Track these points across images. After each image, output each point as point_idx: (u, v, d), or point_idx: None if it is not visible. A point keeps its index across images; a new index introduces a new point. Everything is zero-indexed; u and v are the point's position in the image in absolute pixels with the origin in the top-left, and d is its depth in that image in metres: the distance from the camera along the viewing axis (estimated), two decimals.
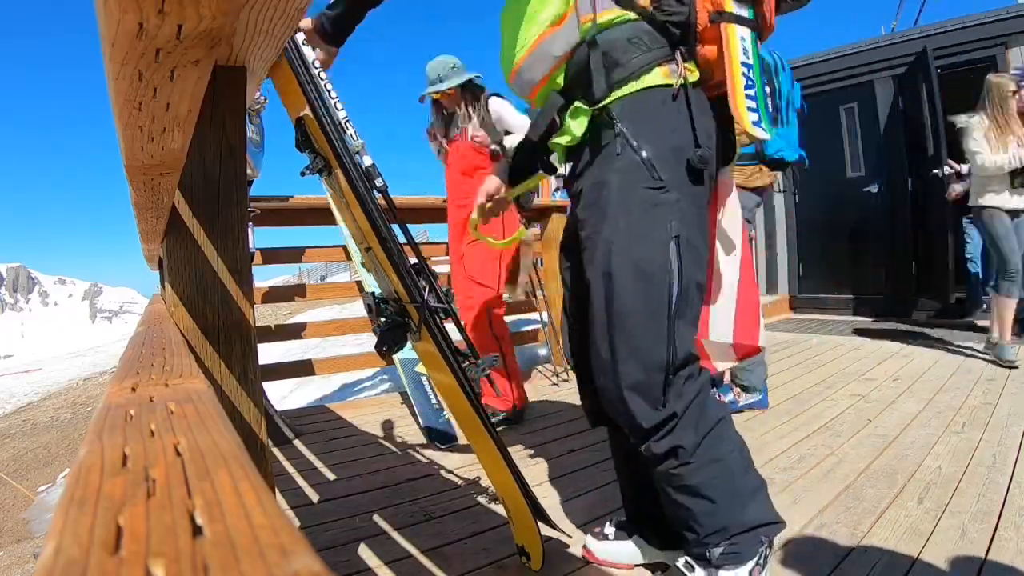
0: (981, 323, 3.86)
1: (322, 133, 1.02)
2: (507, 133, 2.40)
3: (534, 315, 3.50)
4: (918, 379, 2.72)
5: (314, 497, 1.69)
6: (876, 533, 1.30)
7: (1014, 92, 2.89)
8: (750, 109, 0.93)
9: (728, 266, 1.19)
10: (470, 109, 2.38)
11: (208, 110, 0.73)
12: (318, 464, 1.98)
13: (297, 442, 2.22)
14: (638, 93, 0.97)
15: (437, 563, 1.28)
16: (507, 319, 2.62)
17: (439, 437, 2.11)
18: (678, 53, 0.99)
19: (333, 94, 1.12)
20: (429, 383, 2.33)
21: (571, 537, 1.35)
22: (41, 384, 11.02)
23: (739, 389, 2.33)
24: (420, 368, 2.05)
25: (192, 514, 0.18)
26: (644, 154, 0.96)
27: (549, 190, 5.08)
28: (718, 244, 1.17)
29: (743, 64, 0.94)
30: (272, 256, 2.77)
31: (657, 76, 0.98)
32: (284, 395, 4.54)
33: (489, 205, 1.22)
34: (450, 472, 1.84)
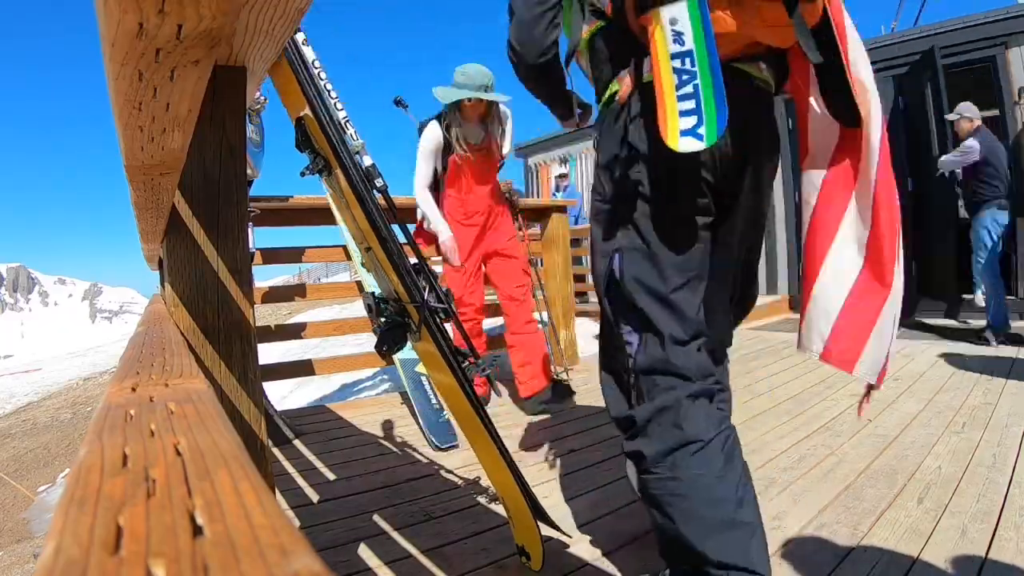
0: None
1: (322, 133, 1.02)
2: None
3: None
4: (918, 379, 2.72)
5: (314, 497, 1.69)
6: (876, 533, 1.30)
7: None
8: (683, 113, 0.81)
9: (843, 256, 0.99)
10: (505, 127, 2.49)
11: (208, 110, 0.73)
12: (318, 464, 1.98)
13: (297, 442, 2.22)
14: (604, 108, 1.03)
15: (437, 563, 1.28)
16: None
17: (439, 438, 2.11)
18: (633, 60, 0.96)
19: (333, 94, 1.13)
20: (429, 383, 2.33)
21: (571, 537, 1.35)
22: (41, 384, 11.03)
23: None
24: (420, 368, 2.06)
25: (192, 514, 0.18)
26: (597, 165, 1.04)
27: (549, 190, 5.08)
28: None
29: (675, 56, 0.82)
30: (272, 256, 2.77)
31: (613, 86, 1.01)
32: (284, 395, 4.55)
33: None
34: (450, 472, 1.84)
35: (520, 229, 2.96)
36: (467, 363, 1.12)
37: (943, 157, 3.81)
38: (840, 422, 2.13)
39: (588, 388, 2.78)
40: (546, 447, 2.05)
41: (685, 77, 0.80)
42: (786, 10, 0.83)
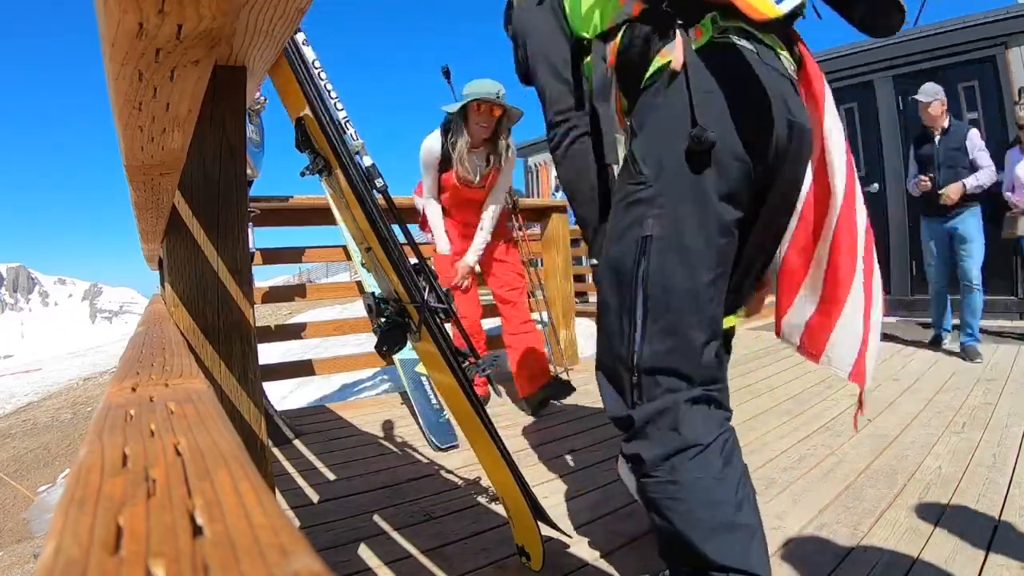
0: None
1: (322, 133, 1.02)
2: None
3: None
4: (918, 379, 2.72)
5: (314, 497, 1.69)
6: (876, 533, 1.30)
7: None
8: None
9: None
10: (510, 141, 2.43)
11: (208, 110, 0.73)
12: (318, 464, 1.98)
13: (297, 442, 2.22)
14: (645, 90, 0.97)
15: (437, 563, 1.28)
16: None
17: (440, 438, 2.11)
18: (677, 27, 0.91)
19: (333, 94, 1.12)
20: (429, 383, 2.33)
21: (571, 537, 1.35)
22: (41, 384, 11.03)
23: None
24: (420, 368, 2.06)
25: (192, 514, 0.18)
26: (632, 149, 0.95)
27: (549, 190, 5.08)
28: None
29: None
30: (272, 256, 2.77)
31: (658, 61, 0.94)
32: (284, 395, 4.54)
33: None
34: (450, 472, 1.84)
35: (520, 229, 2.97)
36: (467, 363, 1.12)
37: (971, 181, 3.22)
38: (840, 422, 2.13)
39: (588, 388, 2.78)
40: (546, 447, 2.04)
41: None
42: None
